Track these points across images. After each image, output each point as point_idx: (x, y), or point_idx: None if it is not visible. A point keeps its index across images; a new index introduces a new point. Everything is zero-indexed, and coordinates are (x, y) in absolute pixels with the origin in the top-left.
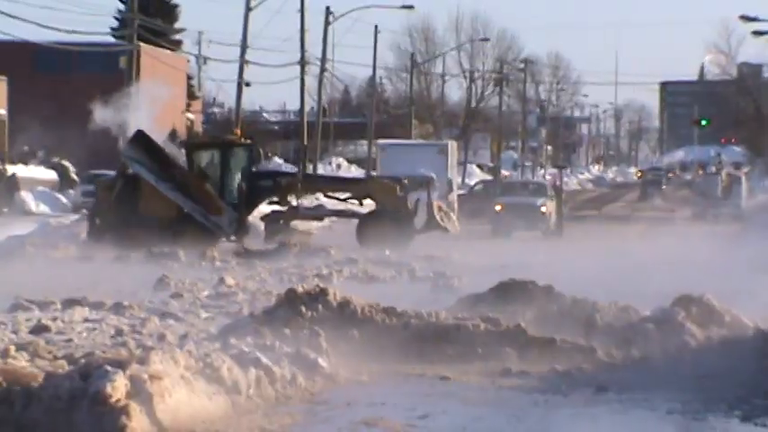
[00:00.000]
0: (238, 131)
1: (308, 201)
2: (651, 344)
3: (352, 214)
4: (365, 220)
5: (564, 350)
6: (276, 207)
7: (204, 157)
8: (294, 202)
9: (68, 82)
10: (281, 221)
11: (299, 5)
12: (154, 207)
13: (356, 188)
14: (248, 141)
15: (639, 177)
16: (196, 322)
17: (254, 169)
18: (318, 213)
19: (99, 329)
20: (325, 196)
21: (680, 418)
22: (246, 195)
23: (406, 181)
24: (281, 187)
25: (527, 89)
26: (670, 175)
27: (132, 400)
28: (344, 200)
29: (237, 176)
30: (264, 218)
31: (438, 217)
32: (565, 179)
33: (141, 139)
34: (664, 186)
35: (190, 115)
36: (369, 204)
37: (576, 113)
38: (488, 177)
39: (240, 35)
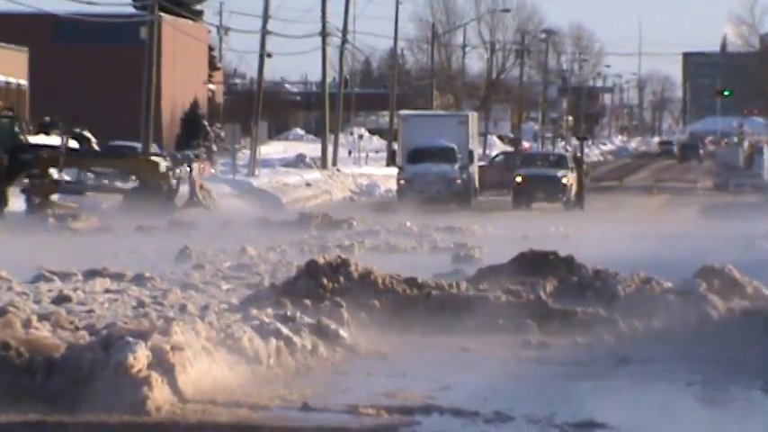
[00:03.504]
0: (0, 103)
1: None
2: (673, 316)
3: (115, 189)
4: (128, 195)
5: (585, 322)
6: (36, 180)
7: None
8: (56, 176)
9: (89, 53)
10: (40, 195)
11: None
12: None
13: (120, 164)
14: (9, 113)
15: (660, 145)
16: (217, 293)
17: (17, 142)
18: (80, 188)
19: (120, 300)
20: (90, 171)
21: (701, 389)
22: (7, 168)
23: (168, 158)
24: (43, 161)
25: (548, 60)
26: (707, 140)
27: (154, 371)
28: (108, 175)
29: None
30: (24, 191)
31: (200, 195)
32: (586, 150)
33: None
34: (701, 150)
35: (211, 86)
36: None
37: (599, 84)
38: (509, 149)
39: (262, 6)
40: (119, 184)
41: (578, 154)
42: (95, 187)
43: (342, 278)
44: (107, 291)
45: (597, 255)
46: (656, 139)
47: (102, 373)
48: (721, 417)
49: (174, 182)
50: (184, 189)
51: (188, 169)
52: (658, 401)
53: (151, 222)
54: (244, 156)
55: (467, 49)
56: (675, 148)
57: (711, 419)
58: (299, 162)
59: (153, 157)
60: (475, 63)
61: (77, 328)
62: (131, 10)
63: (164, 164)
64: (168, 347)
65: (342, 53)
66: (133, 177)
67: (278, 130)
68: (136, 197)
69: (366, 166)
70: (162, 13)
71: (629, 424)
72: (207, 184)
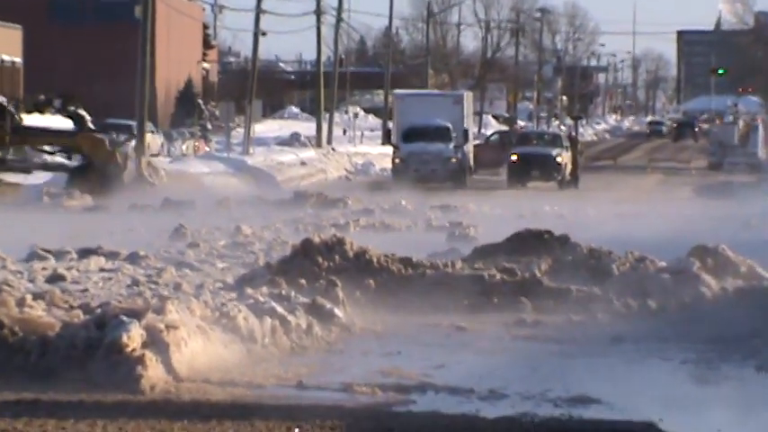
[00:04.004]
0: None
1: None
2: (667, 294)
3: (60, 167)
4: (74, 173)
5: (579, 300)
6: None
7: None
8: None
9: (83, 32)
10: None
11: None
12: None
13: (66, 141)
14: None
15: (649, 125)
16: (212, 272)
17: None
18: (25, 165)
19: (115, 279)
20: (35, 149)
21: (694, 367)
22: None
23: (114, 135)
24: None
25: (543, 39)
26: (701, 118)
27: (148, 350)
28: (54, 152)
29: None
30: None
31: (146, 172)
32: (580, 130)
33: None
34: (696, 128)
35: (205, 65)
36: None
37: (593, 63)
38: (504, 128)
39: None
40: (64, 161)
41: (573, 133)
42: (41, 165)
43: (337, 257)
44: (101, 269)
45: (592, 234)
46: (649, 118)
47: (97, 352)
48: (714, 395)
49: (120, 159)
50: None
51: (133, 146)
52: (652, 379)
53: (144, 201)
54: (238, 134)
55: (462, 27)
56: (665, 128)
57: (704, 397)
58: (293, 141)
59: (98, 135)
60: (470, 42)
61: (72, 307)
62: None
63: (109, 141)
64: (163, 326)
65: (337, 32)
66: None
67: (273, 109)
68: (81, 175)
69: (361, 144)
70: None
71: (623, 400)
72: (154, 161)
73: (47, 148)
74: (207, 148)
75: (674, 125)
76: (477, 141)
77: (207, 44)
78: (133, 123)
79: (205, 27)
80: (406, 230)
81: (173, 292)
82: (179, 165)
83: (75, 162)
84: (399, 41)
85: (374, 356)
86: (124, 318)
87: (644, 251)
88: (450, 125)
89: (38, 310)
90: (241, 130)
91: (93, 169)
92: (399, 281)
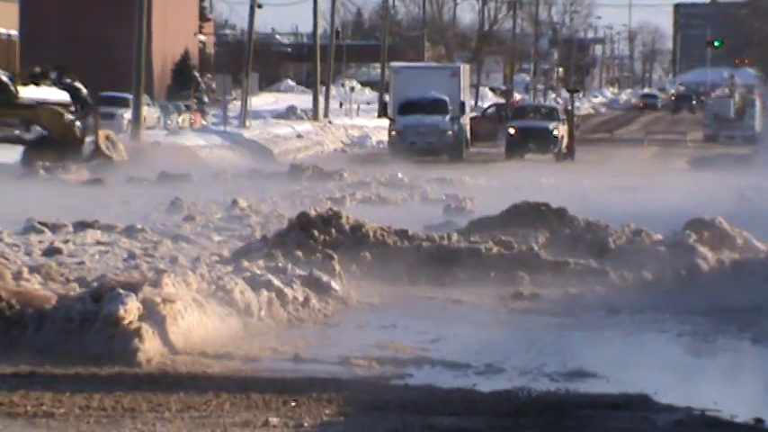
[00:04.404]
0: None
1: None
2: (663, 267)
3: (18, 140)
4: (32, 146)
5: (576, 273)
6: None
7: None
8: None
9: (80, 4)
10: None
11: None
12: None
13: (25, 113)
14: None
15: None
16: (208, 245)
17: None
18: None
19: (111, 252)
20: None
21: (690, 340)
22: None
23: (72, 108)
24: None
25: (540, 11)
26: (701, 90)
27: (144, 323)
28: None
29: None
30: None
31: (104, 146)
32: (577, 103)
33: None
34: (694, 102)
35: (202, 37)
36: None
37: (590, 36)
38: (501, 101)
39: None
40: (21, 134)
41: (569, 106)
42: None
43: (333, 230)
44: (98, 242)
45: (588, 206)
46: (642, 91)
47: (93, 325)
48: (710, 367)
49: (78, 132)
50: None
51: (92, 119)
52: (648, 351)
53: (141, 174)
54: (235, 107)
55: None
56: (659, 102)
57: (700, 369)
58: (290, 114)
59: (55, 107)
60: (467, 14)
61: (68, 280)
62: None
63: (68, 114)
64: (159, 299)
65: (333, 4)
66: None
67: (269, 82)
68: (39, 147)
69: (357, 117)
70: None
71: (620, 373)
72: (113, 135)
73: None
74: (203, 122)
75: (672, 98)
76: (474, 114)
77: (203, 17)
78: (129, 96)
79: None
80: (402, 203)
81: (169, 266)
82: (175, 138)
83: (31, 135)
84: (396, 14)
85: (370, 329)
86: (121, 291)
87: (640, 224)
88: (446, 98)
89: (34, 284)
90: (237, 103)
91: (50, 142)
92: (396, 254)
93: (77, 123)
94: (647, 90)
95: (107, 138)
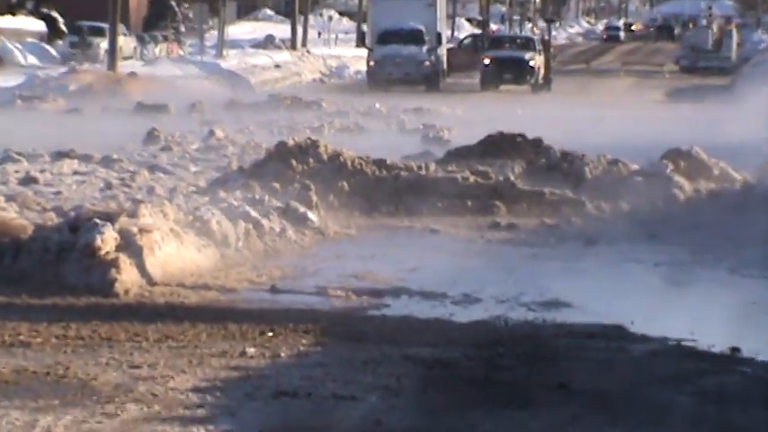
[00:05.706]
0: None
1: None
2: (639, 197)
3: None
4: None
5: (553, 203)
6: None
7: None
8: None
9: None
10: None
11: None
12: None
13: None
14: None
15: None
16: (185, 176)
17: None
18: None
19: (88, 182)
20: None
21: (667, 269)
22: None
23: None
24: None
25: None
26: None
27: (122, 253)
28: None
29: None
30: None
31: None
32: (553, 33)
33: None
34: (676, 31)
35: None
36: None
37: None
38: (477, 31)
39: None
40: None
41: (546, 36)
42: None
43: (311, 160)
44: (75, 172)
45: (565, 137)
46: (621, 22)
47: (70, 256)
48: (686, 297)
49: None
50: None
51: None
52: (625, 281)
53: (117, 104)
54: (212, 37)
55: None
56: (622, 34)
57: (677, 300)
58: (268, 43)
59: None
60: None
61: (45, 210)
62: None
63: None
64: (136, 230)
65: None
66: None
67: (247, 11)
68: None
69: (336, 47)
70: None
71: (596, 304)
72: None
73: None
74: (180, 51)
75: (653, 28)
76: (451, 45)
77: None
78: (106, 26)
79: None
80: (380, 133)
81: (146, 196)
82: (152, 68)
83: None
84: None
85: (348, 260)
86: (98, 221)
87: (617, 154)
88: (423, 28)
89: (10, 213)
90: (215, 33)
91: None
92: (373, 183)
93: None
94: (613, 22)
95: None
